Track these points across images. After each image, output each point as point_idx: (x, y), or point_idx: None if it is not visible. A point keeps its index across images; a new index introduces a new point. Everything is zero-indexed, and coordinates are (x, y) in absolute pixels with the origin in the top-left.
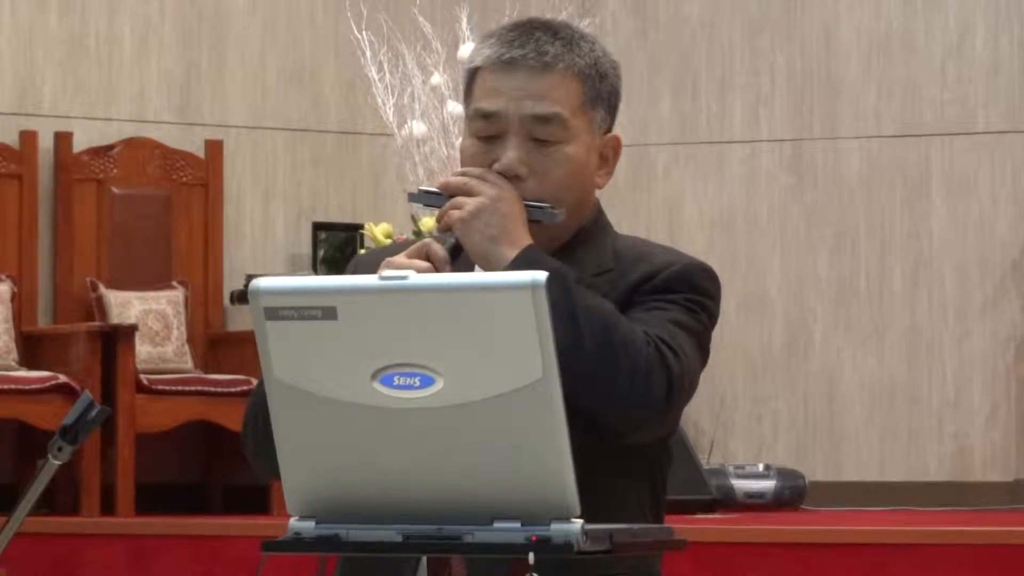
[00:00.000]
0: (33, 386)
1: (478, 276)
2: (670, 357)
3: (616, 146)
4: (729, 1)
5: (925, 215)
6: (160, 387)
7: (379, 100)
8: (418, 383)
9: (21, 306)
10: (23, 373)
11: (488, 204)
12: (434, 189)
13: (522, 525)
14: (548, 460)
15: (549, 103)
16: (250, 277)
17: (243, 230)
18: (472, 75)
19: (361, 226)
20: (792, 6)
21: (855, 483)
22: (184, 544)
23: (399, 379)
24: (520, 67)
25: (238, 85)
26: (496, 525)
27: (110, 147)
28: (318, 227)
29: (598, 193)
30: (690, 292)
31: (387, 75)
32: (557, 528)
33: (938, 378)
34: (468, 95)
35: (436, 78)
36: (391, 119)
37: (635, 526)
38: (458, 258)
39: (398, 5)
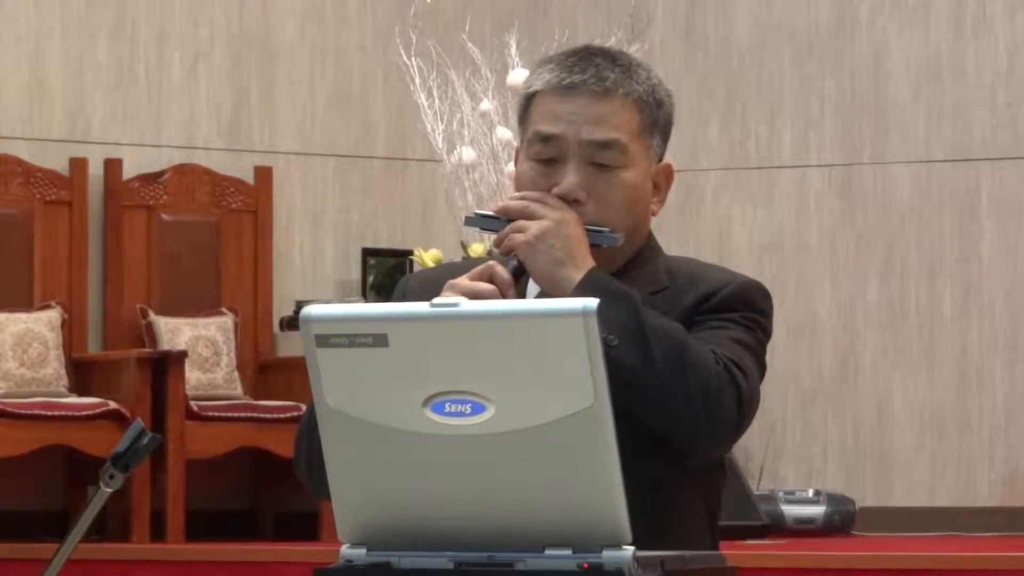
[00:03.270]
0: (83, 412)
1: (529, 303)
2: (738, 376)
3: (669, 174)
4: (778, 26)
5: (975, 240)
6: (210, 413)
7: (428, 126)
8: (469, 410)
9: (71, 333)
10: (73, 400)
11: (552, 227)
12: (491, 213)
13: (573, 552)
14: (599, 487)
15: (608, 128)
16: (299, 303)
17: (292, 256)
18: (530, 99)
19: (410, 252)
20: (841, 31)
21: (905, 508)
22: (234, 570)
23: (450, 406)
24: (580, 92)
25: (287, 111)
26: (548, 552)
27: (159, 174)
28: (367, 253)
29: None
30: (747, 310)
31: (436, 101)
32: (609, 555)
33: (988, 403)
34: (525, 119)
35: (485, 104)
36: (440, 145)
37: (687, 553)
38: (520, 280)
39: (447, 31)
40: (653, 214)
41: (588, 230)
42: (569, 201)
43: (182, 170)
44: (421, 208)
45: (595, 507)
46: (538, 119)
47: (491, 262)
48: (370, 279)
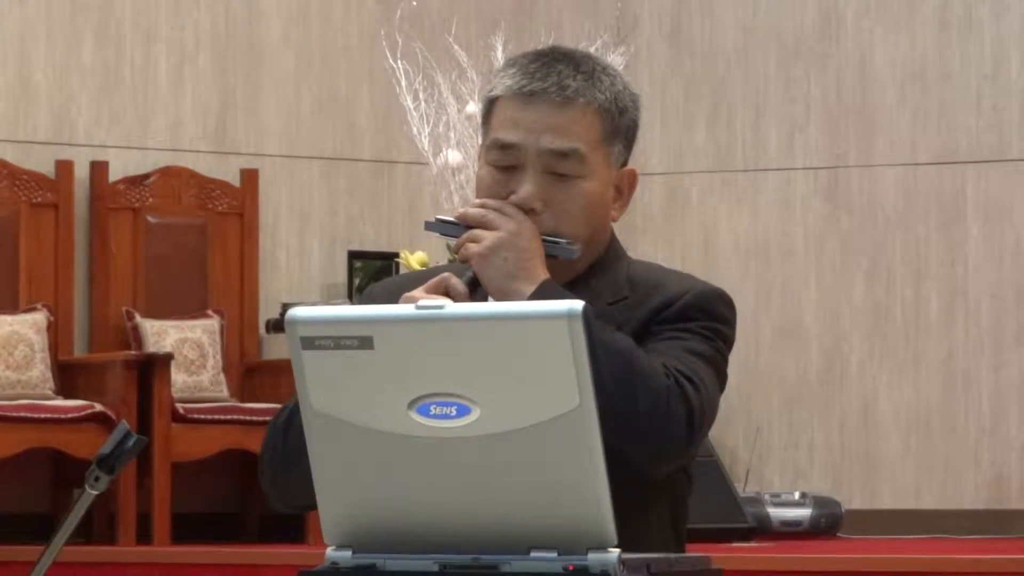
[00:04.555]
0: (69, 415)
1: (515, 306)
2: (689, 389)
3: (632, 179)
4: (763, 28)
5: (960, 243)
6: (196, 416)
7: (414, 129)
8: (454, 412)
9: (57, 335)
10: (59, 402)
11: (507, 239)
12: (452, 219)
13: (559, 555)
14: (585, 489)
15: (568, 138)
16: (285, 306)
17: (278, 259)
18: (491, 103)
19: (396, 255)
20: (827, 34)
21: (891, 511)
22: (220, 573)
23: (435, 408)
24: (540, 100)
25: (273, 114)
26: (533, 555)
27: (145, 176)
28: (353, 256)
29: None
30: (706, 319)
31: (422, 104)
32: (594, 558)
33: (974, 406)
34: (486, 122)
35: (471, 107)
36: (426, 148)
37: (672, 555)
38: (477, 290)
39: (433, 34)
40: (614, 219)
41: (545, 241)
42: (526, 210)
43: (168, 172)
44: (407, 211)
45: (580, 509)
46: (498, 125)
47: (446, 274)
48: (356, 282)
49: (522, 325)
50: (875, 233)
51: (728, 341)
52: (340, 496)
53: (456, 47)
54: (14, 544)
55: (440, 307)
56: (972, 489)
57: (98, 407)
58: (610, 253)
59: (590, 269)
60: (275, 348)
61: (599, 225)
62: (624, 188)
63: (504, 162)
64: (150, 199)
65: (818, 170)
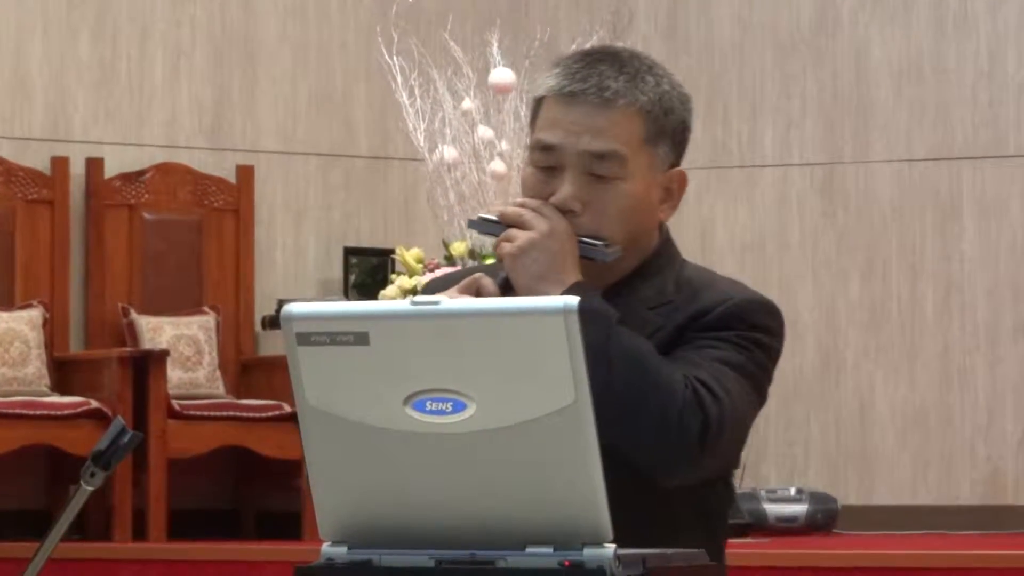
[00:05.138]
0: (65, 412)
1: (510, 301)
2: (707, 399)
3: (682, 180)
4: (760, 24)
5: (956, 238)
6: (192, 412)
7: (410, 125)
8: (450, 408)
9: (53, 332)
10: (55, 399)
11: (538, 240)
12: (493, 217)
13: (555, 550)
14: (580, 485)
15: (607, 140)
16: (281, 302)
17: (274, 255)
18: (537, 104)
19: (392, 251)
20: (823, 29)
21: (887, 507)
22: (216, 570)
23: (431, 404)
24: (581, 101)
25: (269, 110)
26: (529, 550)
27: (141, 172)
28: (349, 252)
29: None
30: (745, 329)
31: (418, 100)
32: (590, 553)
33: (970, 402)
34: (532, 123)
35: (467, 103)
36: (422, 144)
37: (669, 551)
38: (509, 291)
39: (429, 30)
40: (662, 220)
41: (581, 243)
42: (565, 211)
43: (164, 169)
44: (403, 207)
45: (576, 505)
46: (541, 126)
47: (478, 274)
48: (352, 278)
49: (518, 321)
50: (871, 229)
51: (770, 352)
52: (336, 492)
53: (452, 43)
54: (10, 541)
55: (436, 303)
56: (968, 485)
57: (94, 404)
58: (662, 256)
59: (637, 272)
60: (271, 344)
61: (642, 227)
62: (674, 189)
63: (545, 163)
64: (146, 195)
65: (814, 166)
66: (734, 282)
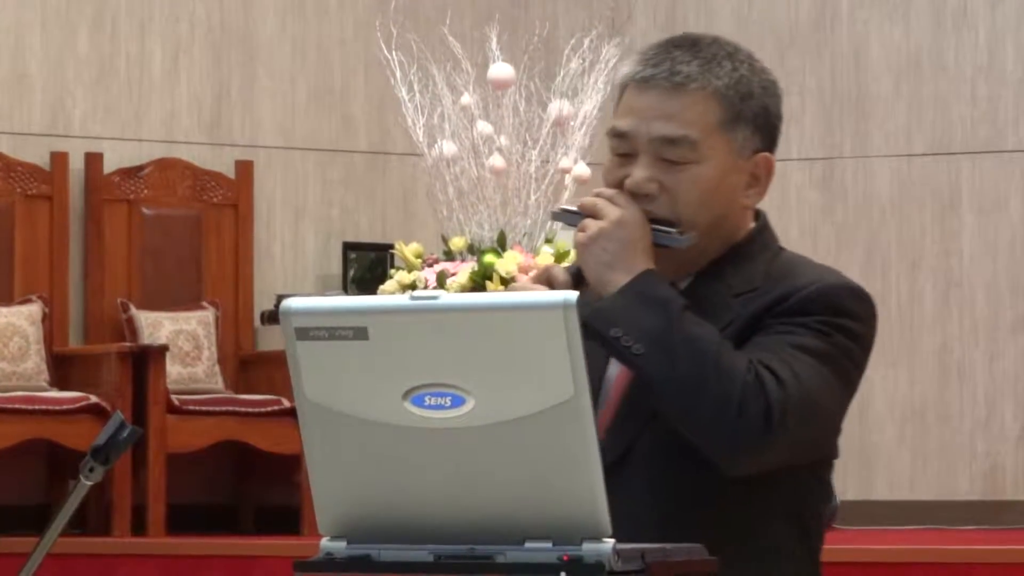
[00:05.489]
0: (64, 407)
1: (508, 295)
2: (770, 384)
3: (768, 166)
4: (759, 20)
5: (955, 233)
6: (191, 407)
7: (409, 120)
8: (449, 403)
9: (52, 327)
10: (54, 394)
11: (608, 228)
12: (574, 208)
13: (553, 545)
14: (579, 479)
15: (677, 124)
16: (280, 297)
17: (273, 250)
18: (619, 91)
19: (391, 246)
20: (822, 24)
21: (886, 502)
22: (215, 564)
23: (430, 399)
24: (653, 86)
25: (268, 105)
26: (528, 545)
27: (140, 168)
28: (348, 247)
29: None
30: (827, 314)
31: (417, 95)
32: (589, 547)
33: (969, 397)
34: (615, 111)
35: (466, 98)
36: (421, 139)
37: (668, 545)
38: (583, 282)
39: (428, 25)
40: (747, 207)
41: (654, 230)
42: (639, 197)
43: (163, 164)
44: (402, 202)
45: (575, 499)
46: (617, 113)
47: (549, 264)
48: (351, 273)
49: (517, 315)
50: (870, 224)
51: (857, 338)
52: (335, 487)
53: (451, 38)
54: (9, 536)
55: (434, 297)
56: (967, 480)
57: (93, 399)
58: (755, 243)
59: (726, 258)
60: (270, 339)
61: (721, 213)
62: (760, 175)
63: (621, 149)
64: (145, 191)
65: (813, 161)
66: (827, 269)
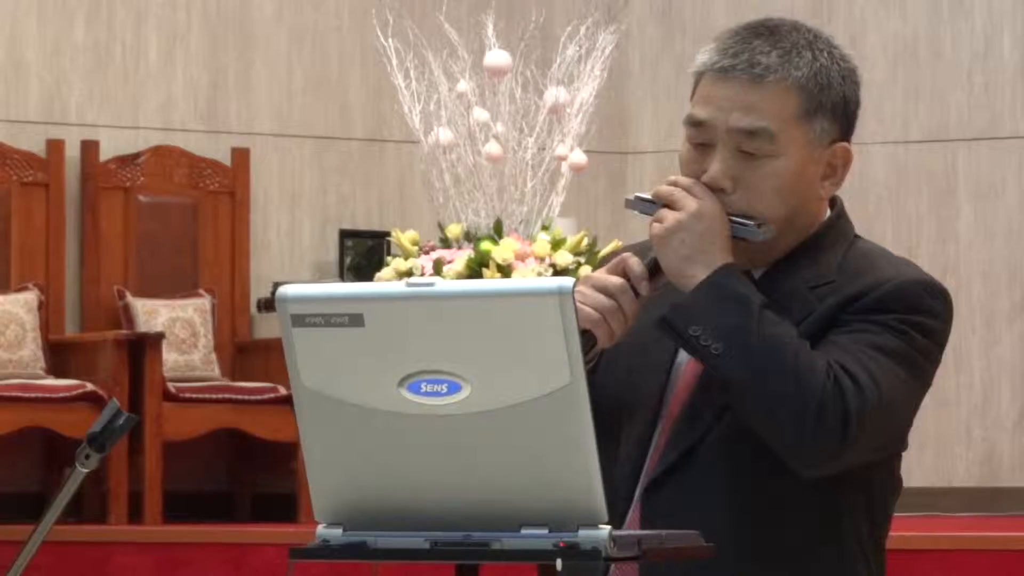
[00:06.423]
0: (60, 394)
1: (505, 282)
2: (850, 392)
3: (845, 156)
4: (755, 7)
5: (952, 220)
6: (187, 395)
7: (405, 107)
8: (445, 390)
9: (48, 315)
10: (50, 381)
11: (686, 220)
12: (648, 196)
13: (550, 531)
14: (576, 466)
15: (756, 116)
16: (277, 285)
17: (269, 238)
18: (696, 78)
19: (388, 233)
20: (818, 11)
21: None
22: (212, 552)
23: (426, 386)
24: (731, 77)
25: (264, 93)
26: (524, 532)
27: (137, 155)
28: (345, 235)
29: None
30: (905, 312)
31: (413, 82)
32: (585, 534)
33: (966, 383)
34: (692, 98)
35: (462, 85)
36: (417, 126)
37: (663, 532)
38: (659, 273)
39: (424, 12)
40: (823, 198)
41: (732, 222)
42: (715, 189)
43: (159, 152)
44: (398, 189)
45: (571, 486)
46: (695, 101)
47: (626, 254)
48: (347, 260)
49: (512, 302)
50: (866, 211)
51: (934, 336)
52: (331, 474)
53: (447, 25)
54: (5, 523)
55: (430, 284)
56: (963, 466)
57: (89, 386)
58: (830, 233)
59: (801, 249)
60: (266, 327)
61: (799, 204)
62: (838, 165)
63: (698, 139)
64: (141, 178)
65: None
66: (904, 263)
